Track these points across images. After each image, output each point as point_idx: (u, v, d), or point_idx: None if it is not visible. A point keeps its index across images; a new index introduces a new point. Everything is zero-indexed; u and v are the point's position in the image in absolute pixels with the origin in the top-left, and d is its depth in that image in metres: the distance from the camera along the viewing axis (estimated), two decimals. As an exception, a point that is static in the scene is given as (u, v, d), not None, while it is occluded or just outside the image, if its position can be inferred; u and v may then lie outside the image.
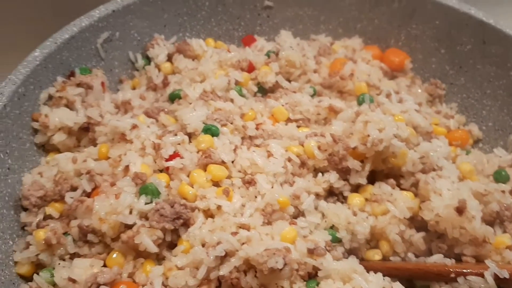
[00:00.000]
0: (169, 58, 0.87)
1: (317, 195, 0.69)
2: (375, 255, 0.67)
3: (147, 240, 0.60)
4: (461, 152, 0.82)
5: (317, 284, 0.59)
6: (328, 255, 0.60)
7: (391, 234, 0.66)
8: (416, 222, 0.69)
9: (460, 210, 0.64)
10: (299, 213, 0.67)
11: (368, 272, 0.61)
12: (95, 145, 0.73)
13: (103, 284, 0.57)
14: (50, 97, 0.76)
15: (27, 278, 0.64)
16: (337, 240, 0.65)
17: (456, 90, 0.91)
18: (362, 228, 0.66)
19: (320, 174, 0.71)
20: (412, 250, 0.68)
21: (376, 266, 0.64)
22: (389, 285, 0.60)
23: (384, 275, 0.61)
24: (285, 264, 0.56)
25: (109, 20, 0.81)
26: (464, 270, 0.62)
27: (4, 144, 0.67)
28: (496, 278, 0.60)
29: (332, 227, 0.66)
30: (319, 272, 0.60)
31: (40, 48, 0.74)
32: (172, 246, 0.63)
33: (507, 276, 0.60)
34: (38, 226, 0.65)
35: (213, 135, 0.71)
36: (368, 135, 0.68)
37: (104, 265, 0.62)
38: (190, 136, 0.72)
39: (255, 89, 0.84)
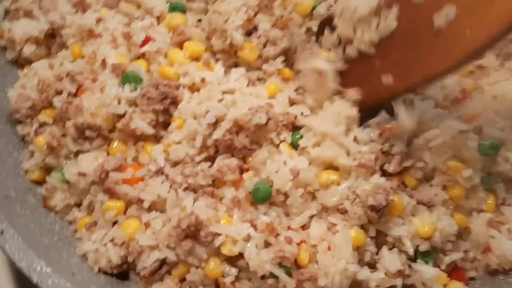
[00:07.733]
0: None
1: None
2: None
3: (141, 123, 0.63)
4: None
5: (301, 137, 0.63)
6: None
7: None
8: None
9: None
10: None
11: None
12: (66, 48, 0.73)
13: (111, 170, 0.62)
14: (7, 12, 0.74)
15: (40, 183, 0.68)
16: None
17: None
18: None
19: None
20: None
21: None
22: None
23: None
24: (268, 119, 0.60)
25: None
26: None
27: (-23, 65, 0.67)
28: None
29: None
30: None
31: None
32: (166, 125, 0.66)
33: None
34: (36, 134, 0.68)
35: (181, 12, 0.71)
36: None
37: (108, 156, 0.66)
38: (158, 19, 0.72)
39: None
